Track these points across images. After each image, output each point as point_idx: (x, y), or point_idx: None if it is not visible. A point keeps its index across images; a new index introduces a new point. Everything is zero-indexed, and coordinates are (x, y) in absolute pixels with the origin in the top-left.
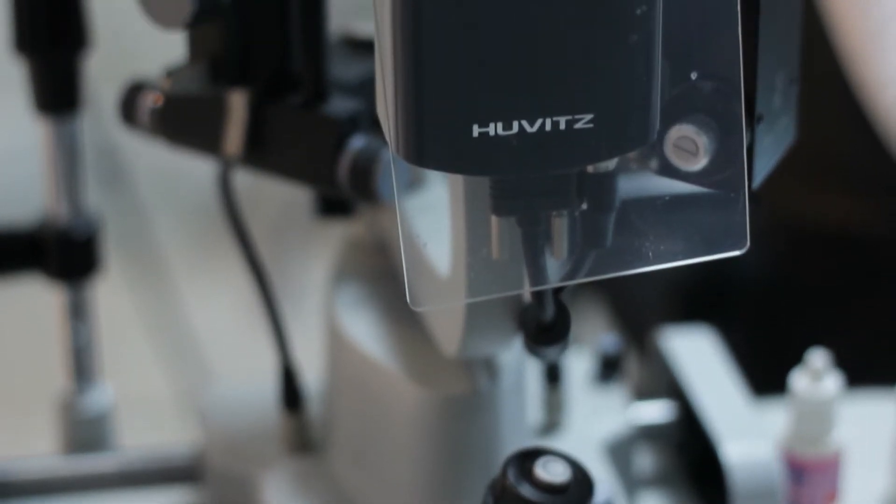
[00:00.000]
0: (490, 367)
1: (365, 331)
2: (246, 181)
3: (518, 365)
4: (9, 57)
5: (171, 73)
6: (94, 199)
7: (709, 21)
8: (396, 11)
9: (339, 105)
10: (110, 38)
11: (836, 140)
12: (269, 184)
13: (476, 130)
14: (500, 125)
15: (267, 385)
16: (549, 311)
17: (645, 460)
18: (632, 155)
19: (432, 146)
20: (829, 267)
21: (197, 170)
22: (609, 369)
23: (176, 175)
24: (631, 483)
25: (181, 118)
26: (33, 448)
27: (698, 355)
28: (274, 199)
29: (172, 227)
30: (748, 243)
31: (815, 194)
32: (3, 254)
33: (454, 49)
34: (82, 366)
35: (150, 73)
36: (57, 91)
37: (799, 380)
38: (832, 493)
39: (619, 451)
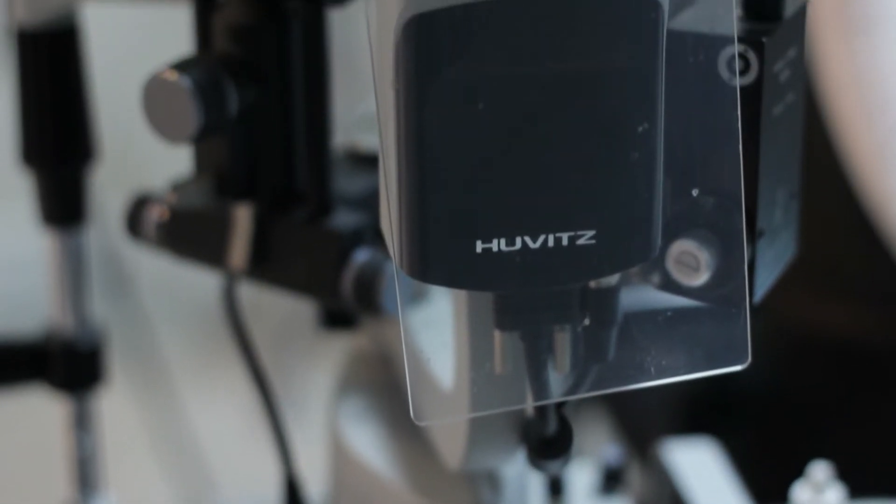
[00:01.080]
0: (493, 481)
1: (368, 443)
2: (250, 292)
3: (520, 478)
4: (12, 166)
5: (177, 188)
6: (99, 307)
7: (710, 137)
8: (401, 130)
9: (344, 219)
10: (116, 148)
11: (839, 249)
12: (274, 295)
13: (479, 246)
14: (503, 241)
15: (270, 496)
16: (552, 426)
17: None
18: (634, 270)
19: (436, 262)
20: (832, 377)
21: (201, 279)
22: (611, 481)
23: (180, 284)
24: None
25: (187, 232)
26: None
27: (700, 468)
28: (278, 310)
29: (176, 336)
30: (750, 358)
31: (818, 303)
32: (7, 364)
33: (458, 166)
34: (86, 476)
35: (156, 182)
36: (63, 203)
37: (801, 492)
38: None
39: None
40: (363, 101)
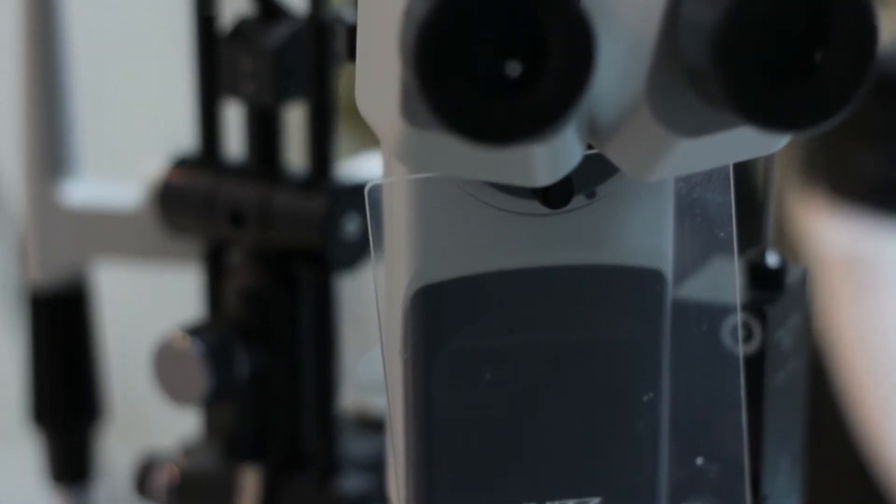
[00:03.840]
0: None
1: None
2: None
3: None
4: (19, 420)
5: (187, 451)
6: None
7: (714, 405)
8: (408, 398)
9: (351, 482)
10: (125, 406)
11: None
12: None
13: None
14: None
15: None
16: None
17: None
18: None
19: None
20: None
21: None
22: None
23: None
24: None
25: (195, 494)
26: None
27: None
28: None
29: None
30: None
31: None
32: None
33: (464, 434)
34: None
35: (164, 440)
36: (71, 463)
37: None
38: None
39: None
40: (371, 355)
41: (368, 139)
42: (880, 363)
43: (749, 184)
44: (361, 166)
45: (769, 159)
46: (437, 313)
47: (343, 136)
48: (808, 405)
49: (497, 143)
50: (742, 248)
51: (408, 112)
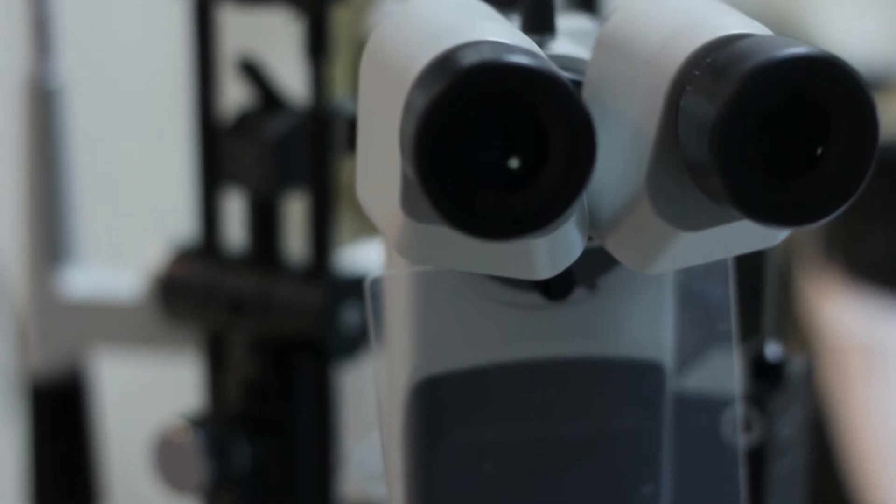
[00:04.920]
0: None
1: None
2: None
3: None
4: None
5: None
6: None
7: (714, 498)
8: (409, 490)
9: None
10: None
11: None
12: None
13: None
14: None
15: None
16: None
17: None
18: None
19: None
20: None
21: None
22: None
23: None
24: None
25: None
26: None
27: None
28: None
29: None
30: None
31: None
32: None
33: None
34: None
35: None
36: None
37: None
38: None
39: None
40: (371, 441)
41: (370, 224)
42: (892, 448)
43: (759, 265)
44: (362, 254)
45: (770, 251)
46: (437, 406)
47: (344, 220)
48: (818, 490)
49: (498, 238)
50: (753, 330)
51: (408, 206)
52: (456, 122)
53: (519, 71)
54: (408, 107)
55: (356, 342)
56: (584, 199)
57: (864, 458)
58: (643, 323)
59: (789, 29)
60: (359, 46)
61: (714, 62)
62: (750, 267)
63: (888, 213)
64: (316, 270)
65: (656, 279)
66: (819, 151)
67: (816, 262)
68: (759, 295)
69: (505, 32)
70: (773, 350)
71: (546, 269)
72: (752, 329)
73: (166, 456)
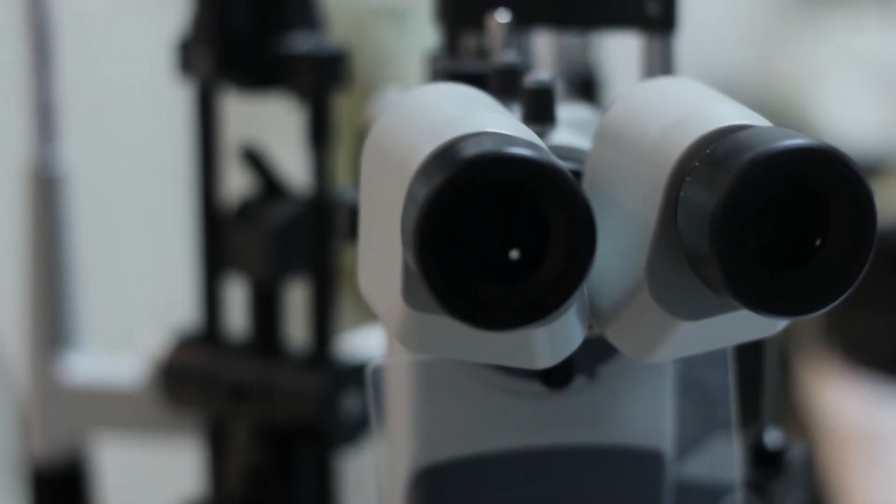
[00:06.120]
0: None
1: None
2: None
3: None
4: None
5: None
6: None
7: None
8: None
9: None
10: None
11: None
12: None
13: None
14: None
15: None
16: None
17: None
18: None
19: None
20: None
21: None
22: None
23: None
24: None
25: None
26: None
27: None
28: None
29: None
30: None
31: None
32: None
33: None
34: None
35: None
36: None
37: None
38: None
39: None
40: None
41: (370, 311)
42: None
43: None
44: (363, 340)
45: (769, 338)
46: (437, 493)
47: (346, 307)
48: None
49: (498, 328)
50: (753, 417)
51: (409, 296)
52: (457, 213)
53: (519, 162)
54: (409, 197)
55: (357, 429)
56: (585, 288)
57: None
58: (643, 411)
59: (787, 114)
60: (360, 136)
61: (713, 153)
62: (749, 354)
63: (887, 299)
64: (317, 357)
65: (656, 367)
66: (818, 243)
67: (816, 348)
68: (759, 382)
69: (505, 123)
70: (773, 437)
71: (546, 358)
72: (751, 416)
73: None
